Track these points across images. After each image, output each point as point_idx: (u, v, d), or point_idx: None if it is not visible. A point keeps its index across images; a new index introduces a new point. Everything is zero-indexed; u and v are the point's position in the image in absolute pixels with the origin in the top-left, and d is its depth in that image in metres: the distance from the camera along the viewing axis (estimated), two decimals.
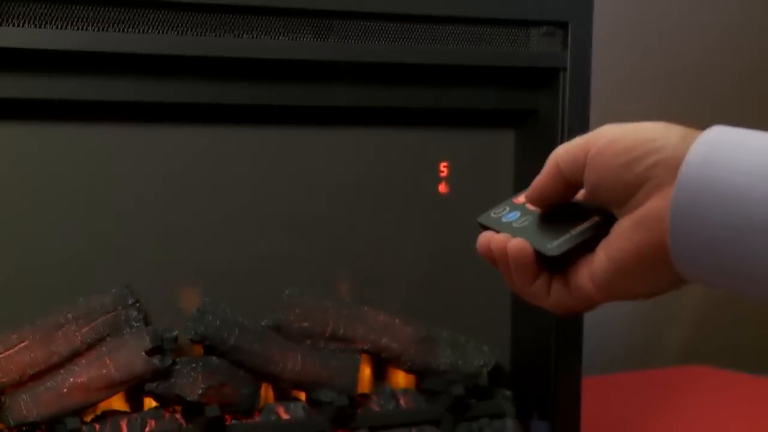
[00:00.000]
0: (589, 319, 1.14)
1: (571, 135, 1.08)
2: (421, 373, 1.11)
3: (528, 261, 0.53)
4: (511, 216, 0.56)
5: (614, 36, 1.56)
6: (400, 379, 1.13)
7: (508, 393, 1.13)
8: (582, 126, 1.08)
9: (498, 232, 0.55)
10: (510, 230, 0.54)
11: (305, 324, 1.06)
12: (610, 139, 0.50)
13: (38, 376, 0.95)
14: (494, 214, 0.56)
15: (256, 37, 0.97)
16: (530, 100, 1.13)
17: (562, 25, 1.08)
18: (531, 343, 1.16)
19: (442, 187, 1.14)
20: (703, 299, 1.75)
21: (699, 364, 1.60)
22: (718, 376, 1.49)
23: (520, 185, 1.17)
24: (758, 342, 1.81)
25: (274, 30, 0.97)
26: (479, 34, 1.06)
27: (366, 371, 1.11)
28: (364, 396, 1.09)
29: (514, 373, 1.18)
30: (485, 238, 0.55)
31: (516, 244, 0.53)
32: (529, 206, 0.56)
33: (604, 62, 1.19)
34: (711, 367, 1.56)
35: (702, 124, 0.50)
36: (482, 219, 0.57)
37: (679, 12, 1.71)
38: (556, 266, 0.53)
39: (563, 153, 0.53)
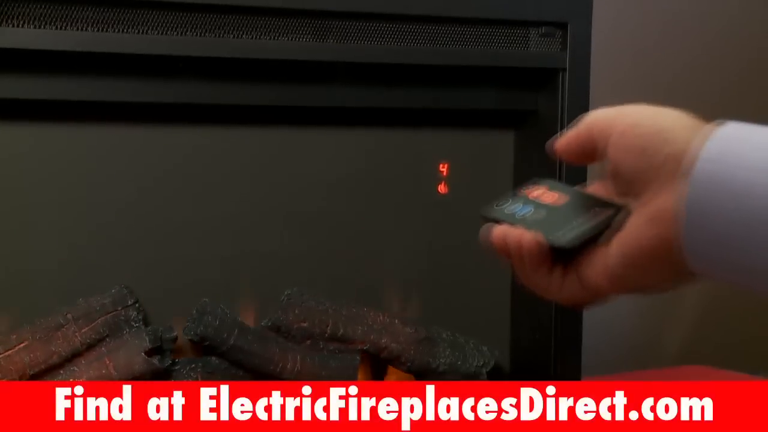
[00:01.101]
0: (589, 319, 1.14)
1: None
2: (420, 373, 1.11)
3: (543, 254, 0.53)
4: (516, 207, 0.56)
5: (613, 36, 1.56)
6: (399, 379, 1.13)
7: None
8: None
9: (500, 223, 0.55)
10: (515, 221, 0.54)
11: (305, 324, 1.06)
12: (633, 122, 0.51)
13: (38, 376, 0.95)
14: (498, 206, 0.56)
15: (256, 38, 0.97)
16: (530, 100, 1.13)
17: (562, 26, 1.08)
18: (530, 343, 1.16)
19: (442, 188, 1.15)
20: (703, 300, 1.75)
21: (699, 364, 1.60)
22: (718, 376, 1.49)
23: (520, 185, 1.17)
24: (758, 342, 1.80)
25: (274, 31, 0.97)
26: (479, 34, 1.06)
27: (365, 371, 1.11)
28: None
29: (513, 374, 1.18)
30: (500, 231, 0.55)
31: (531, 236, 0.53)
32: (538, 198, 0.56)
33: (603, 62, 1.18)
34: (711, 367, 1.56)
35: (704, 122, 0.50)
36: (485, 211, 0.56)
37: (678, 12, 1.71)
38: (568, 258, 0.53)
39: (599, 120, 0.53)
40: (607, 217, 0.52)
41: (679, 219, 0.47)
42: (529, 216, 0.55)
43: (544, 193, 0.57)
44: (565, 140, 0.55)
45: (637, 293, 0.52)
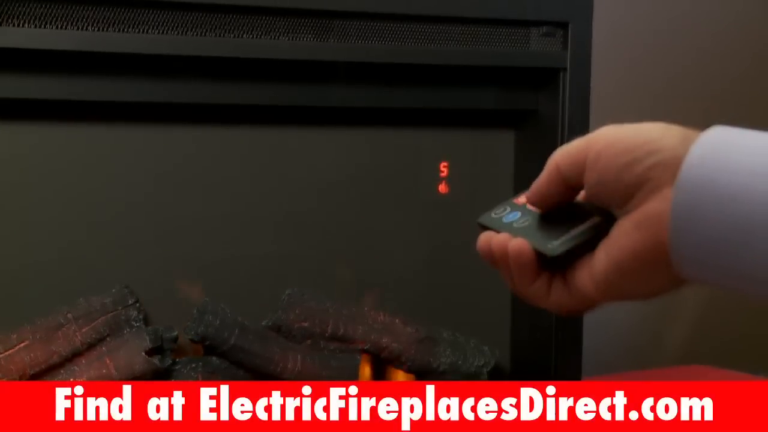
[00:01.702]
0: (589, 319, 1.14)
1: (571, 135, 1.08)
2: (421, 373, 1.11)
3: (528, 261, 0.53)
4: (512, 216, 0.56)
5: (614, 36, 1.56)
6: (400, 379, 1.13)
7: None
8: (582, 126, 1.08)
9: (498, 232, 0.55)
10: (510, 230, 0.54)
11: (305, 324, 1.06)
12: (609, 141, 0.50)
13: (38, 375, 0.95)
14: (494, 214, 0.57)
15: (256, 38, 0.97)
16: (530, 100, 1.13)
17: (562, 25, 1.08)
18: (531, 343, 1.16)
19: (443, 187, 1.15)
20: (703, 299, 1.75)
21: (699, 364, 1.60)
22: (720, 376, 1.49)
23: (520, 185, 1.17)
24: (758, 342, 1.80)
25: (274, 30, 0.97)
26: (479, 34, 1.06)
27: (366, 371, 1.11)
28: None
29: (514, 373, 1.18)
30: (485, 238, 0.55)
31: (516, 244, 0.53)
32: (530, 206, 0.56)
33: (603, 62, 1.18)
34: (711, 367, 1.56)
35: (702, 124, 0.50)
36: (482, 219, 0.57)
37: (678, 12, 1.71)
38: (557, 266, 0.53)
39: (563, 155, 0.53)
40: (595, 225, 0.52)
41: (668, 223, 0.47)
42: (516, 223, 0.55)
43: None
44: (535, 190, 0.55)
45: (629, 300, 0.52)
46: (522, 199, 0.57)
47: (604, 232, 0.51)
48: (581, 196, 0.56)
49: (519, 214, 0.56)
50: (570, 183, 0.53)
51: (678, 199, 0.46)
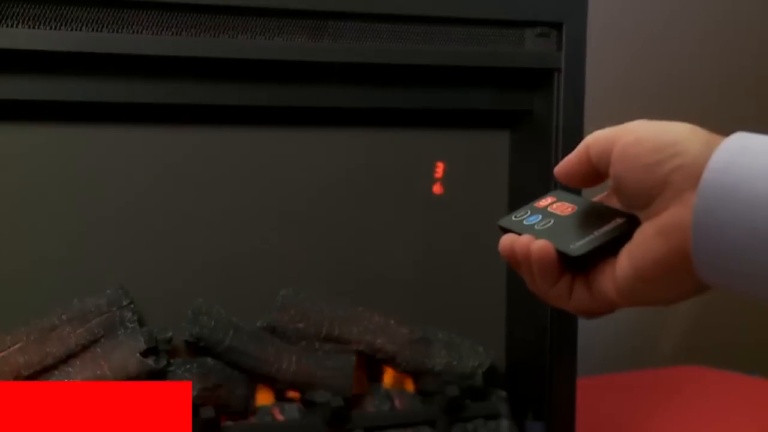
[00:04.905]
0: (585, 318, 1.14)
1: (566, 136, 1.09)
2: (416, 373, 1.11)
3: (551, 262, 0.53)
4: (533, 219, 0.56)
5: (609, 37, 1.56)
6: (395, 379, 1.13)
7: (503, 393, 1.13)
8: (576, 127, 1.08)
9: (519, 234, 0.55)
10: (532, 232, 0.55)
11: (300, 325, 1.06)
12: (637, 137, 0.50)
13: (33, 377, 0.95)
14: (515, 217, 0.57)
15: (251, 38, 0.97)
16: (525, 100, 1.13)
17: (557, 26, 1.08)
18: (526, 344, 1.16)
19: (438, 188, 1.14)
20: (700, 300, 1.75)
21: (696, 364, 1.60)
22: (715, 376, 1.49)
23: (515, 185, 1.17)
24: (756, 342, 1.81)
25: (269, 31, 0.97)
26: (474, 34, 1.05)
27: (361, 372, 1.10)
28: (359, 397, 1.09)
29: (509, 374, 1.18)
30: (508, 239, 0.55)
31: (539, 245, 0.53)
32: (551, 209, 0.57)
33: (598, 63, 1.18)
34: (708, 367, 1.56)
35: (698, 125, 0.50)
36: (503, 222, 0.57)
37: (673, 12, 1.71)
38: (579, 267, 0.53)
39: (595, 140, 0.53)
40: (618, 227, 0.52)
41: (690, 230, 0.47)
42: (546, 226, 0.55)
43: (560, 205, 0.57)
44: (564, 165, 0.55)
45: (649, 305, 0.52)
46: (543, 202, 0.58)
47: (627, 235, 0.51)
48: (601, 197, 0.56)
49: (540, 216, 0.56)
50: (597, 168, 0.53)
51: (699, 204, 0.46)
